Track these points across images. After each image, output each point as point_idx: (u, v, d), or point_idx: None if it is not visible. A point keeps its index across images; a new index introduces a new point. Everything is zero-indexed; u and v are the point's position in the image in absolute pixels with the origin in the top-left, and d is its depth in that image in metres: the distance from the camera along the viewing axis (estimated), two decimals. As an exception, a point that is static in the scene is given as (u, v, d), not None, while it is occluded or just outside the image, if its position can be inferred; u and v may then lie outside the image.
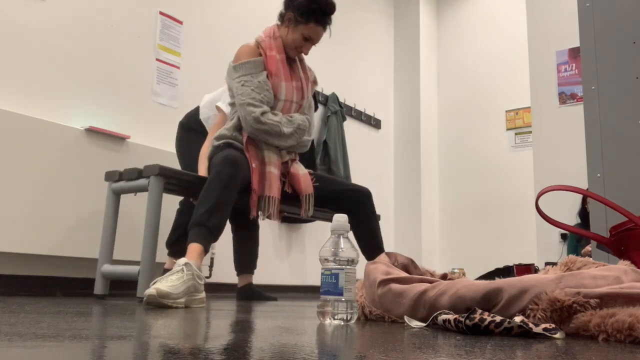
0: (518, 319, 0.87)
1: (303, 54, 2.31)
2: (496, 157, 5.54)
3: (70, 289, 2.66)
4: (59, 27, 2.81)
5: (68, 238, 2.55)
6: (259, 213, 2.16)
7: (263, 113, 2.11)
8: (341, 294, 1.08)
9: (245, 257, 2.73)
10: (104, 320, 1.03)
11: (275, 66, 2.19)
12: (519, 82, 5.50)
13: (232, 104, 2.26)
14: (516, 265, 2.40)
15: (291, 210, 2.59)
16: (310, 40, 2.24)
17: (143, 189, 2.22)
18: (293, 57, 2.29)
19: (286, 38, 2.23)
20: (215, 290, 3.43)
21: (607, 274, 0.96)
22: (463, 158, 5.77)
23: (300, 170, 2.32)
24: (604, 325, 0.82)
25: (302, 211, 2.28)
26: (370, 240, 2.31)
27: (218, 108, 2.68)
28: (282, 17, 2.25)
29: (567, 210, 3.73)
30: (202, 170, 2.43)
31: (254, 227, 2.79)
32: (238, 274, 2.75)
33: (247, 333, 0.84)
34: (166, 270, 2.60)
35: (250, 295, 2.68)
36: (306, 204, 2.27)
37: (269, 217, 2.15)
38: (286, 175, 2.30)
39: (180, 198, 2.83)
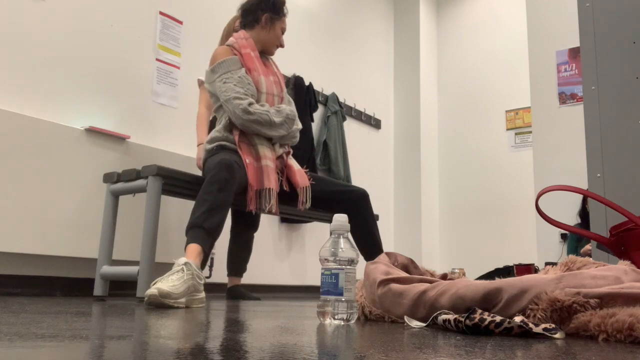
0: (518, 319, 0.87)
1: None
2: (496, 157, 5.54)
3: (70, 289, 2.66)
4: (59, 27, 2.81)
5: (68, 238, 2.55)
6: (259, 207, 2.16)
7: (250, 104, 2.15)
8: (341, 294, 1.08)
9: (238, 262, 2.94)
10: (104, 320, 1.03)
11: (253, 62, 2.28)
12: (519, 82, 5.50)
13: (217, 109, 2.27)
14: (516, 265, 2.40)
15: (287, 210, 2.60)
16: (284, 32, 2.43)
17: (141, 189, 2.22)
18: (273, 54, 2.43)
19: (267, 37, 2.36)
20: (215, 290, 3.43)
21: (607, 274, 0.96)
22: (463, 158, 5.77)
23: (295, 165, 2.35)
24: (604, 325, 0.82)
25: (299, 203, 2.28)
26: (368, 241, 2.31)
27: (200, 82, 2.87)
28: (254, 21, 2.36)
29: (567, 210, 3.73)
30: (198, 135, 2.75)
31: (251, 235, 2.99)
32: (228, 275, 2.95)
33: (247, 333, 0.84)
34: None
35: (237, 295, 2.87)
36: (303, 195, 2.28)
37: (269, 211, 2.15)
38: (283, 170, 2.32)
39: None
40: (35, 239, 2.44)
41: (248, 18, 2.36)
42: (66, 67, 2.82)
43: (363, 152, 5.27)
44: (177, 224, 3.03)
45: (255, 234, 3.92)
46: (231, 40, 2.32)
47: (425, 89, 5.82)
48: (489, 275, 2.22)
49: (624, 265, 1.01)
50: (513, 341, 0.79)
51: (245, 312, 1.50)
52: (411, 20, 5.91)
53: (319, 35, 4.84)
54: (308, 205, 2.30)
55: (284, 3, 2.39)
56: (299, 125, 2.38)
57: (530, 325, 0.85)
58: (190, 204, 3.07)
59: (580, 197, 3.63)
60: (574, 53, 3.95)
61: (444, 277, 1.30)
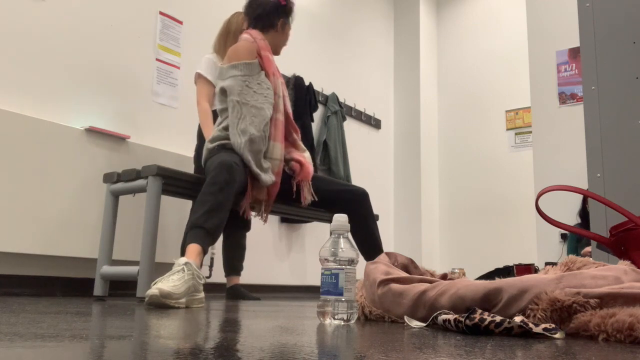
0: (518, 319, 0.87)
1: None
2: (496, 157, 5.54)
3: (70, 289, 2.66)
4: (59, 27, 2.81)
5: (68, 238, 2.55)
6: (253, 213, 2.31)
7: (265, 125, 2.16)
8: (341, 294, 1.08)
9: (234, 261, 2.94)
10: (104, 320, 1.03)
11: (272, 65, 2.30)
12: (519, 82, 5.49)
13: (223, 110, 2.23)
14: (516, 265, 2.40)
15: (287, 210, 2.61)
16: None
17: (141, 189, 2.22)
18: (279, 54, 2.47)
19: (280, 41, 2.40)
20: (215, 290, 3.43)
21: (607, 274, 0.96)
22: (463, 158, 5.77)
23: (304, 160, 2.36)
24: (604, 325, 0.82)
25: (302, 197, 2.33)
26: (368, 241, 2.31)
27: (198, 75, 2.83)
28: (269, 26, 2.36)
29: (567, 210, 3.72)
30: (206, 131, 2.69)
31: (243, 233, 2.99)
32: (226, 276, 2.96)
33: (247, 333, 0.84)
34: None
35: (237, 294, 2.86)
36: (306, 192, 2.31)
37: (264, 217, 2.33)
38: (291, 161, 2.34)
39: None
40: (35, 239, 2.44)
41: (263, 23, 2.35)
42: (66, 67, 2.82)
43: (363, 152, 5.27)
44: (177, 224, 3.03)
45: (255, 234, 3.92)
46: (247, 37, 2.29)
47: (425, 89, 5.81)
48: (489, 275, 2.22)
49: (624, 265, 1.01)
50: (513, 341, 0.79)
51: (245, 312, 1.50)
52: (411, 20, 5.90)
53: (319, 35, 4.84)
54: (311, 198, 2.34)
55: (293, 4, 2.43)
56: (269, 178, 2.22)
57: (530, 325, 0.85)
58: (190, 204, 3.07)
59: (580, 197, 3.63)
60: (574, 53, 3.95)
61: (444, 277, 1.30)
